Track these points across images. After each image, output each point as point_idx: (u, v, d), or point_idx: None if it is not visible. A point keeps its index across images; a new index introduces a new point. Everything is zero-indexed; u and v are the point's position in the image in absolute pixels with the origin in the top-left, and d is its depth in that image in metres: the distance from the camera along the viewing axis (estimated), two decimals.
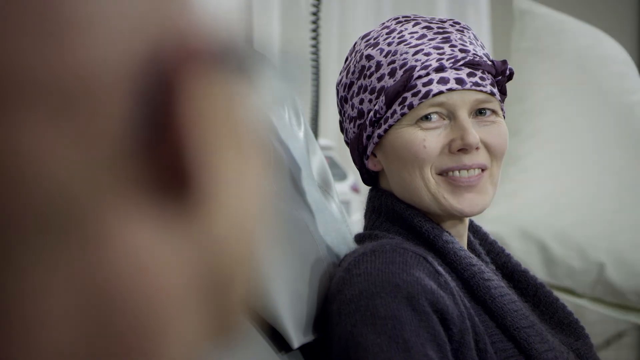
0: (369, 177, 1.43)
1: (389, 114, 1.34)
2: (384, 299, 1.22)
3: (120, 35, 0.36)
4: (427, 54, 1.33)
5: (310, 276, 1.34)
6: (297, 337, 1.29)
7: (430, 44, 1.34)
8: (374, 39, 1.38)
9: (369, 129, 1.36)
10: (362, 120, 1.37)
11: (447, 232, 1.36)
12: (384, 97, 1.33)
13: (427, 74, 1.32)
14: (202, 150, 0.37)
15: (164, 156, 0.37)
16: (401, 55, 1.34)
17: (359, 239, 1.41)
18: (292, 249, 1.35)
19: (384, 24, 1.41)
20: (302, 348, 1.32)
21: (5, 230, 0.35)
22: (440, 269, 1.29)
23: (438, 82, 1.32)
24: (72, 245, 0.35)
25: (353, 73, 1.38)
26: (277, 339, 1.29)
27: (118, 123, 0.36)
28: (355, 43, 1.41)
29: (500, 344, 1.31)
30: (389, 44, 1.35)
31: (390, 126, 1.34)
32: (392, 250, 1.28)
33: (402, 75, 1.33)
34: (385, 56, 1.35)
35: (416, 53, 1.33)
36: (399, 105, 1.33)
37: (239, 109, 0.39)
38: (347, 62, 1.41)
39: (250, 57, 0.39)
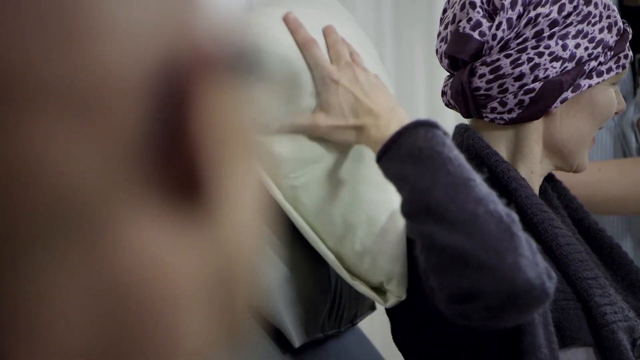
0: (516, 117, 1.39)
1: (604, 68, 1.38)
2: None
3: (136, 41, 0.36)
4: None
5: (311, 276, 1.35)
6: (298, 337, 1.29)
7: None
8: None
9: (580, 78, 1.37)
10: (571, 65, 1.36)
11: (522, 176, 1.37)
12: (609, 52, 1.38)
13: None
14: (214, 155, 0.38)
15: (176, 160, 0.37)
16: (613, 12, 1.39)
17: None
18: (293, 249, 1.35)
19: None
20: (304, 348, 1.32)
21: (18, 230, 0.35)
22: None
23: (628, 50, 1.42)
24: (85, 246, 0.36)
25: (571, 14, 1.35)
26: (280, 339, 1.30)
27: (132, 127, 0.36)
28: None
29: (560, 285, 1.31)
30: None
31: (603, 80, 1.38)
32: None
33: (617, 34, 1.39)
34: (604, 8, 1.38)
35: (617, 14, 1.40)
36: (615, 63, 1.38)
37: (246, 113, 0.40)
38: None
39: (256, 61, 0.40)
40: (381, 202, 1.29)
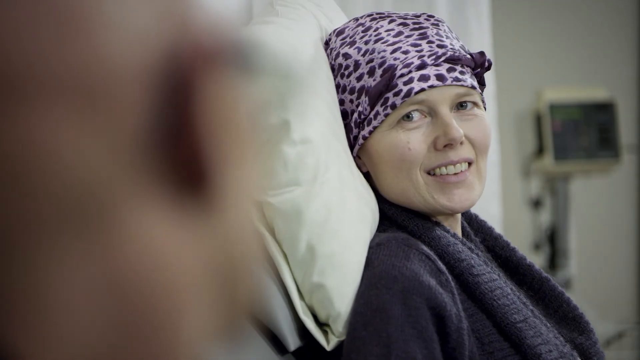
0: None
1: (372, 115, 1.33)
2: (380, 290, 1.23)
3: (139, 35, 0.37)
4: (406, 52, 1.32)
5: None
6: (292, 340, 1.30)
7: (407, 42, 1.33)
8: (350, 37, 1.36)
9: (354, 131, 1.35)
10: (346, 121, 1.36)
11: (437, 226, 1.35)
12: (367, 98, 1.32)
13: (409, 72, 1.31)
14: (217, 148, 0.38)
15: (180, 153, 0.37)
16: (379, 53, 1.33)
17: None
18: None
19: (357, 20, 1.39)
20: (301, 351, 1.33)
21: (26, 222, 0.35)
22: (443, 267, 1.28)
23: (419, 80, 1.31)
24: (91, 238, 0.36)
25: (333, 70, 1.36)
26: (276, 341, 1.30)
27: (137, 120, 0.37)
28: (329, 40, 1.39)
29: (497, 343, 1.30)
30: (366, 42, 1.34)
31: (374, 128, 1.33)
32: (397, 245, 1.29)
33: (381, 75, 1.32)
34: (364, 55, 1.33)
35: (394, 51, 1.32)
36: (382, 106, 1.32)
37: (247, 108, 0.40)
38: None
39: (255, 57, 0.40)
40: (351, 239, 1.30)
